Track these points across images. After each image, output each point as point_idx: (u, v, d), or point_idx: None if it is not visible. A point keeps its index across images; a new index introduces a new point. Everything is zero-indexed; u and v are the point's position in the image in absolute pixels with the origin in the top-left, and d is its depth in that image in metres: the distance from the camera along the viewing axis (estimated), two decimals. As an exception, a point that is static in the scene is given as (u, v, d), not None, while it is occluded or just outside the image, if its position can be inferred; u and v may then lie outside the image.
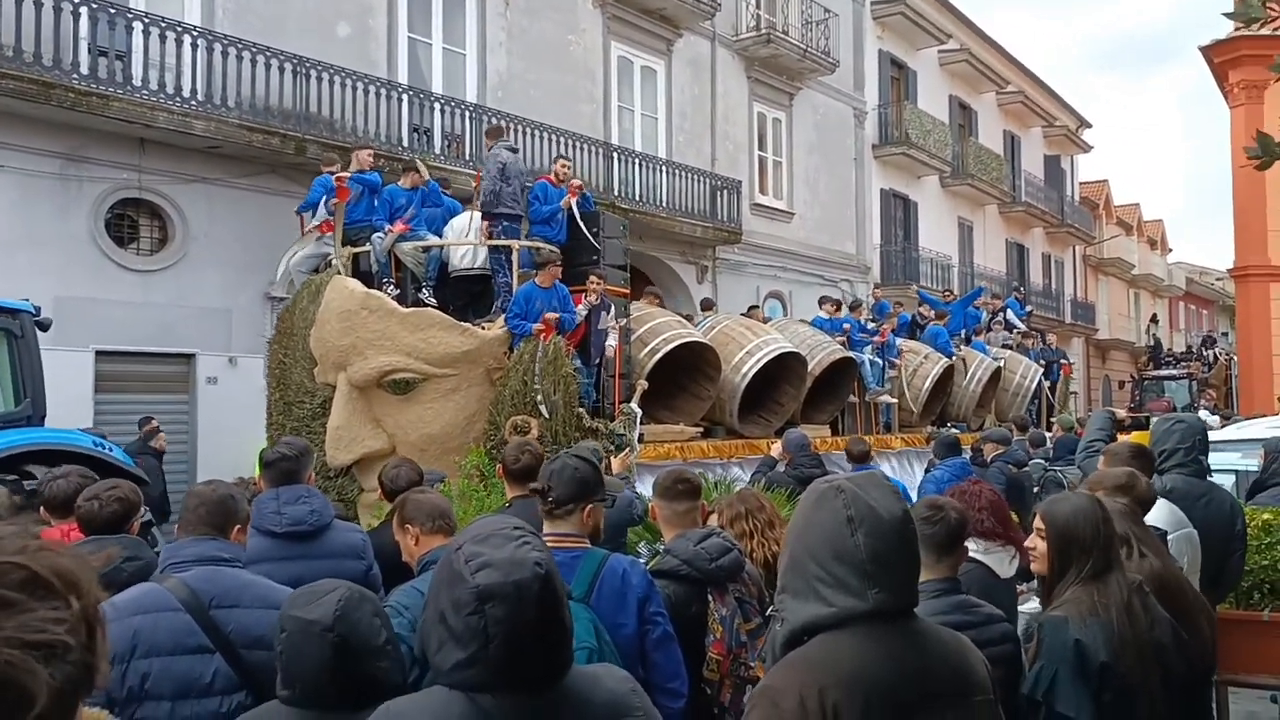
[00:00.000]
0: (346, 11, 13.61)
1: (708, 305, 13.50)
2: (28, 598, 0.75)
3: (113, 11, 10.80)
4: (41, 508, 3.75)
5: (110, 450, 7.78)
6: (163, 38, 11.14)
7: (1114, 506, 3.03)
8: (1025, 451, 10.30)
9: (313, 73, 12.51)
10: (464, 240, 9.64)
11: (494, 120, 14.57)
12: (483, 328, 8.64)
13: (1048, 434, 13.08)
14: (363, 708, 1.75)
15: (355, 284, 8.63)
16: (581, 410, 8.40)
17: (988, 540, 3.78)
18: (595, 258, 9.68)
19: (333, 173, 9.43)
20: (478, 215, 9.54)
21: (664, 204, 17.61)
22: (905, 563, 1.78)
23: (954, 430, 12.43)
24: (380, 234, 9.26)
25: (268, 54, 12.05)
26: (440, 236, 9.85)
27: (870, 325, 13.93)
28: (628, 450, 7.96)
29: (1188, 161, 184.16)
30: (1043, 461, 9.98)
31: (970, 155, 27.79)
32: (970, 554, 3.46)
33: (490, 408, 8.24)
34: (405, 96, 13.72)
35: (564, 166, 9.97)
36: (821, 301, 14.60)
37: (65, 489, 3.69)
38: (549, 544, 2.53)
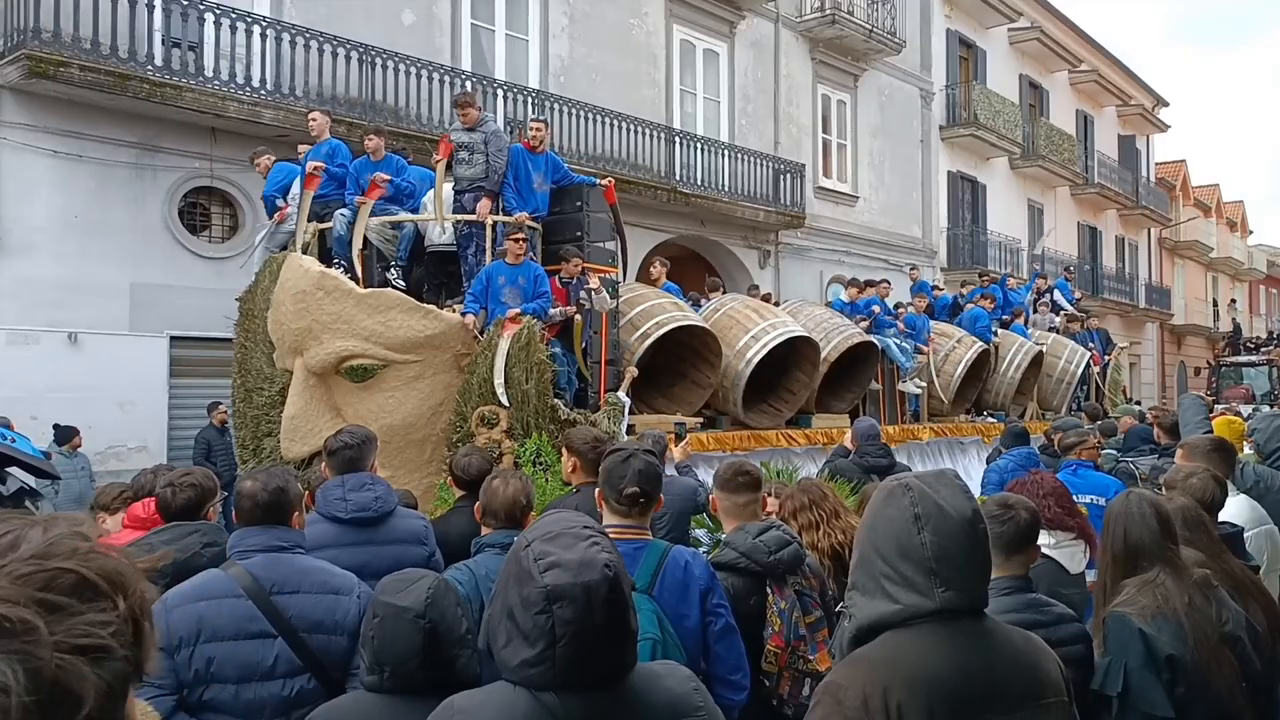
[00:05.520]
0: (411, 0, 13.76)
1: (714, 287, 12.56)
2: (76, 601, 0.79)
3: (185, 4, 11.03)
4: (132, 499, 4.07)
5: (13, 441, 7.52)
6: (233, 29, 11.37)
7: (1176, 504, 3.01)
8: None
9: (378, 61, 12.67)
10: (431, 216, 8.70)
11: (555, 106, 14.63)
12: (452, 309, 7.93)
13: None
14: (444, 697, 1.78)
15: (311, 262, 7.95)
16: (557, 401, 7.65)
17: (1055, 529, 3.72)
18: (579, 233, 8.81)
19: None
20: (448, 188, 8.63)
21: (726, 188, 17.50)
22: (974, 562, 1.75)
23: (1019, 421, 12.10)
24: (345, 209, 8.46)
25: (334, 43, 12.23)
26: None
27: (898, 308, 13.28)
28: (688, 439, 7.67)
29: (1273, 139, 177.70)
30: (1114, 452, 9.70)
31: (1041, 136, 27.13)
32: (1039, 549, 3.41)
33: (457, 397, 7.53)
34: (469, 83, 13.81)
35: (539, 129, 8.87)
36: (846, 284, 13.88)
37: (155, 481, 3.93)
38: (613, 535, 2.54)
